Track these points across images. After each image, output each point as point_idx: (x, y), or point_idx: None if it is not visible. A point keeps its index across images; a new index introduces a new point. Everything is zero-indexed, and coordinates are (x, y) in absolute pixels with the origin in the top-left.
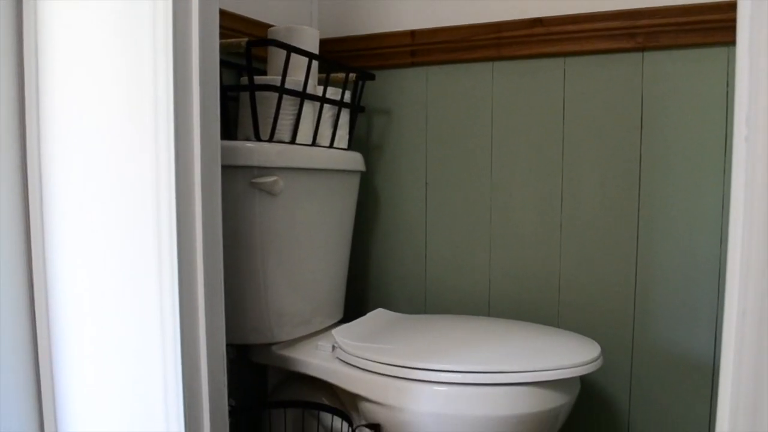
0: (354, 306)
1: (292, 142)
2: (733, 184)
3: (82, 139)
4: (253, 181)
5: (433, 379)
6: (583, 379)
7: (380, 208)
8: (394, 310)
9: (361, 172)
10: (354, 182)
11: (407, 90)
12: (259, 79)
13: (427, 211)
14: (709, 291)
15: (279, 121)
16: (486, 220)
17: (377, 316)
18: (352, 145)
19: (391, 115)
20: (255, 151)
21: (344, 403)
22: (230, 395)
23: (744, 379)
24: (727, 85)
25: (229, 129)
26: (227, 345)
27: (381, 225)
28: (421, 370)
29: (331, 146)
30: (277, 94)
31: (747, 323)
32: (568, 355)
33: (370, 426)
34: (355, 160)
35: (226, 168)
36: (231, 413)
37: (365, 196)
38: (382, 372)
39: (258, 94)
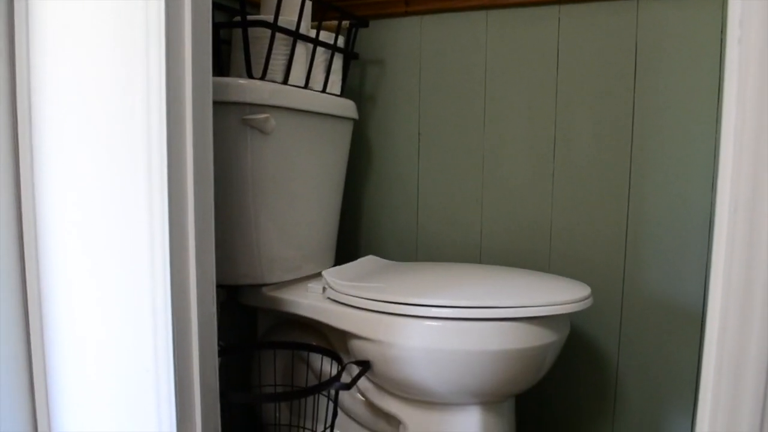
0: (345, 255)
1: (285, 82)
2: (725, 87)
3: (70, 73)
4: (245, 117)
5: (423, 314)
6: (574, 326)
7: (372, 158)
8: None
9: (354, 121)
10: (346, 130)
11: (401, 39)
12: (252, 17)
13: (419, 162)
14: (699, 239)
15: (271, 61)
16: (478, 171)
17: (368, 261)
18: (344, 93)
19: (385, 65)
20: (247, 88)
21: (334, 346)
22: (220, 339)
23: (730, 326)
24: (722, 32)
25: (222, 71)
26: (217, 287)
27: (373, 175)
28: (412, 306)
29: (323, 91)
30: (269, 33)
31: (734, 267)
32: (558, 293)
33: (359, 363)
34: (347, 107)
35: (217, 104)
36: (220, 353)
37: (357, 147)
38: (373, 309)
39: (250, 33)
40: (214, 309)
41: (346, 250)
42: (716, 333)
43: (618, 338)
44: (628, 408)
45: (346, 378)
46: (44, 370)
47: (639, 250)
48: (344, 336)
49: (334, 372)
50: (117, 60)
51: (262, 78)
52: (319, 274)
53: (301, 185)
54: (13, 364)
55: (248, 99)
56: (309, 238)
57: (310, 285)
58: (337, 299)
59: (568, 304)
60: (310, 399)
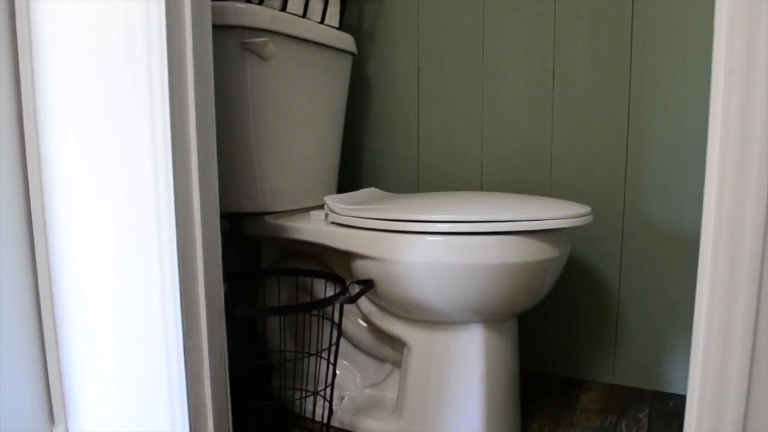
0: (346, 189)
1: (283, 10)
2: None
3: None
4: (244, 41)
5: (425, 230)
6: (575, 255)
7: (372, 94)
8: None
9: (353, 57)
10: (345, 64)
11: None
12: None
13: (419, 96)
14: (699, 165)
15: None
16: (478, 103)
17: (370, 191)
18: (343, 26)
19: (382, 1)
20: (246, 12)
21: (337, 273)
22: (224, 269)
23: (722, 251)
24: None
25: None
26: (221, 216)
27: (373, 110)
28: (414, 222)
29: (321, 22)
30: None
31: (726, 191)
32: (558, 210)
33: (361, 282)
34: (346, 40)
35: (216, 28)
36: (224, 280)
37: (357, 83)
38: (376, 227)
39: None
40: (218, 222)
41: (347, 184)
42: (710, 249)
43: (619, 266)
44: (630, 334)
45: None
46: (50, 289)
47: (639, 177)
48: (347, 261)
49: None
50: None
51: (260, 3)
52: (321, 207)
53: (301, 117)
54: (17, 288)
55: (247, 23)
56: (310, 171)
57: (312, 213)
58: (339, 222)
59: (568, 218)
60: (319, 322)
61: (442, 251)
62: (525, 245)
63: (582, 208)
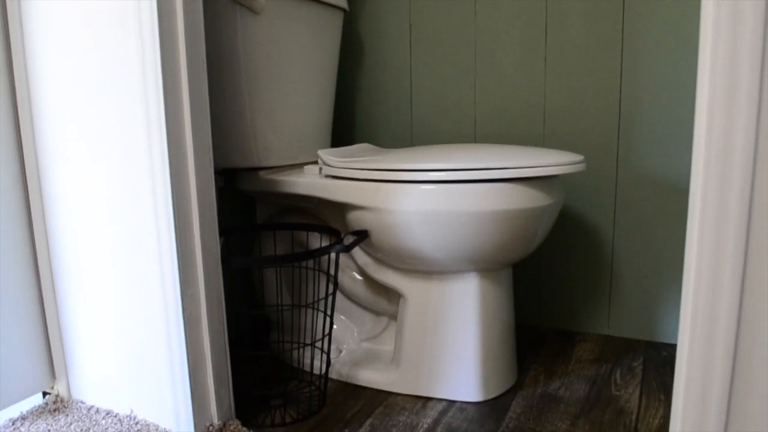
0: (339, 145)
1: None
2: None
3: None
4: None
5: (419, 179)
6: (570, 207)
7: (365, 51)
8: None
9: (344, 13)
10: (337, 21)
11: None
12: None
13: (411, 52)
14: (691, 115)
15: None
16: (470, 58)
17: (363, 146)
18: None
19: None
20: None
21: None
22: (219, 225)
23: (710, 199)
24: None
25: None
26: (215, 172)
27: (366, 69)
28: (408, 171)
29: None
30: None
31: (713, 139)
32: (551, 157)
33: (357, 233)
34: None
35: None
36: (220, 233)
37: (350, 41)
38: (370, 178)
39: None
40: (212, 172)
41: (340, 141)
42: (699, 191)
43: (613, 218)
44: (624, 285)
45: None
46: (47, 247)
47: (632, 128)
48: (342, 215)
49: None
50: None
51: None
52: (314, 163)
53: (293, 73)
54: (15, 249)
55: None
56: (303, 127)
57: (306, 167)
58: (333, 174)
59: (561, 165)
60: (310, 279)
61: (436, 199)
62: (518, 193)
63: (575, 156)
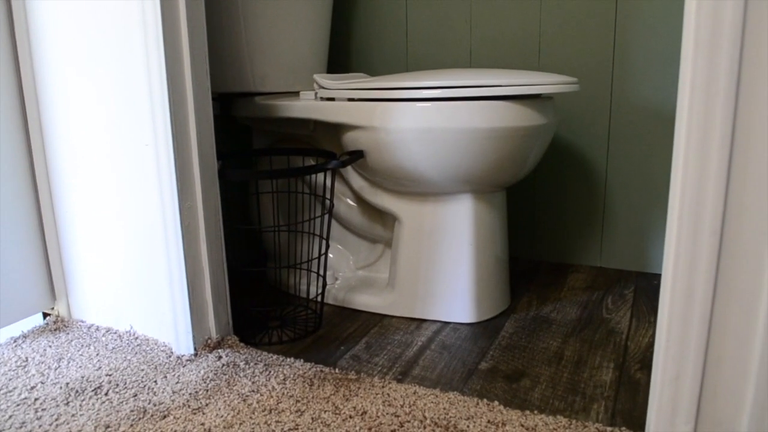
0: None
1: None
2: None
3: None
4: None
5: (414, 97)
6: (563, 138)
7: None
8: None
9: None
10: None
11: None
12: None
13: None
14: None
15: None
16: None
17: (358, 75)
18: None
19: None
20: None
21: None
22: (216, 149)
23: (694, 128)
24: None
25: None
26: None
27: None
28: (403, 90)
29: None
30: None
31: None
32: (545, 77)
33: (352, 153)
34: None
35: None
36: (218, 157)
37: None
38: (366, 97)
39: None
40: (208, 84)
41: (335, 72)
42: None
43: (606, 149)
44: (617, 217)
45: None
46: (45, 165)
47: (627, 58)
48: (338, 140)
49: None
50: None
51: None
52: (311, 90)
53: (289, 2)
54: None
55: None
56: (299, 56)
57: (301, 93)
58: (329, 96)
59: (555, 84)
60: (305, 205)
61: (431, 117)
62: (513, 110)
63: (568, 78)
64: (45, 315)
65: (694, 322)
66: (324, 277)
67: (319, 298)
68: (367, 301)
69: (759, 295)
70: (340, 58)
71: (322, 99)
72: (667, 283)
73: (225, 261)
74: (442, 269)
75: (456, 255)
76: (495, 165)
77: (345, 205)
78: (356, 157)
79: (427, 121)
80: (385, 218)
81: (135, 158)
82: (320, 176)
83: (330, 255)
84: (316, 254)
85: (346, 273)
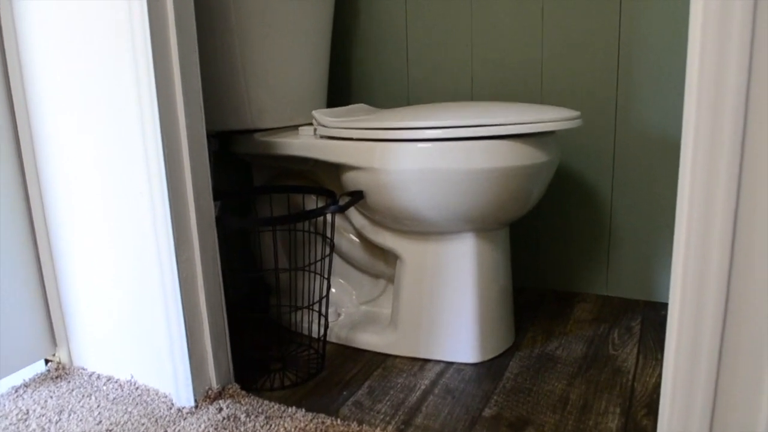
0: (335, 106)
1: None
2: None
3: None
4: None
5: (414, 137)
6: (568, 165)
7: (360, 8)
8: None
9: None
10: None
11: None
12: None
13: (406, 8)
14: None
15: None
16: (467, 14)
17: (358, 107)
18: None
19: None
20: None
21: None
22: (215, 189)
23: (701, 155)
24: None
25: None
26: (209, 135)
27: (361, 26)
28: (403, 130)
29: None
30: None
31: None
32: (546, 113)
33: (352, 194)
34: None
35: None
36: (216, 197)
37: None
38: (365, 137)
39: None
40: (203, 132)
41: (336, 102)
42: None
43: (611, 177)
44: (623, 245)
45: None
46: (43, 216)
47: (631, 85)
48: (337, 177)
49: None
50: None
51: None
52: (309, 124)
53: (287, 33)
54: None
55: None
56: (298, 88)
57: (300, 129)
58: (328, 134)
59: (556, 121)
60: (307, 242)
61: (431, 158)
62: (513, 149)
63: (571, 112)
64: (47, 361)
65: (701, 371)
66: (326, 317)
67: (321, 337)
68: (369, 340)
69: None
70: (341, 86)
71: (321, 137)
72: (673, 329)
73: (224, 308)
74: (445, 309)
75: (459, 294)
76: (497, 204)
77: (347, 240)
78: (356, 199)
79: (428, 162)
80: (387, 254)
81: (130, 208)
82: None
83: (333, 290)
84: (317, 292)
85: (349, 308)
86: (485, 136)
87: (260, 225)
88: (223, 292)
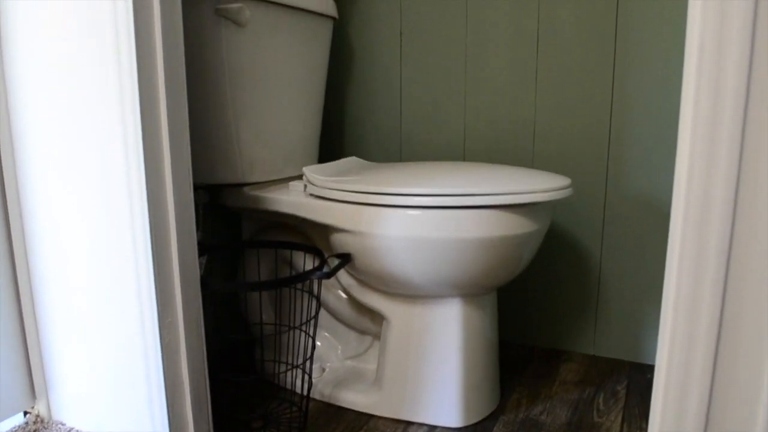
0: (328, 158)
1: None
2: None
3: None
4: (218, 7)
5: (402, 204)
6: (558, 227)
7: (354, 59)
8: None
9: (334, 20)
10: (326, 29)
11: None
12: None
13: (401, 62)
14: None
15: None
16: (461, 70)
17: (350, 161)
18: None
19: None
20: None
21: (317, 245)
22: (204, 241)
23: (690, 226)
24: None
25: None
26: (199, 188)
27: (355, 77)
28: (391, 195)
29: None
30: None
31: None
32: (536, 182)
33: (340, 256)
34: (326, 3)
35: None
36: (204, 252)
37: (338, 47)
38: (352, 200)
39: None
40: (191, 196)
41: (328, 153)
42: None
43: (601, 237)
44: (611, 305)
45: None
46: (27, 271)
47: (622, 149)
48: (326, 234)
49: None
50: None
51: None
52: (301, 177)
53: (280, 84)
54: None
55: None
56: (290, 140)
57: (291, 184)
58: (317, 194)
59: (546, 192)
60: (293, 296)
61: (420, 225)
62: (503, 219)
63: (562, 181)
64: (25, 413)
65: None
66: (310, 376)
67: (305, 396)
68: (353, 399)
69: (758, 401)
70: (334, 137)
71: (310, 195)
72: (658, 395)
73: (206, 371)
74: (430, 371)
75: (444, 357)
76: (485, 272)
77: (334, 296)
78: (343, 263)
79: (415, 230)
80: (374, 312)
81: (115, 270)
82: (308, 267)
83: (318, 343)
84: (302, 348)
85: (334, 363)
86: (475, 205)
87: (245, 290)
88: (205, 356)
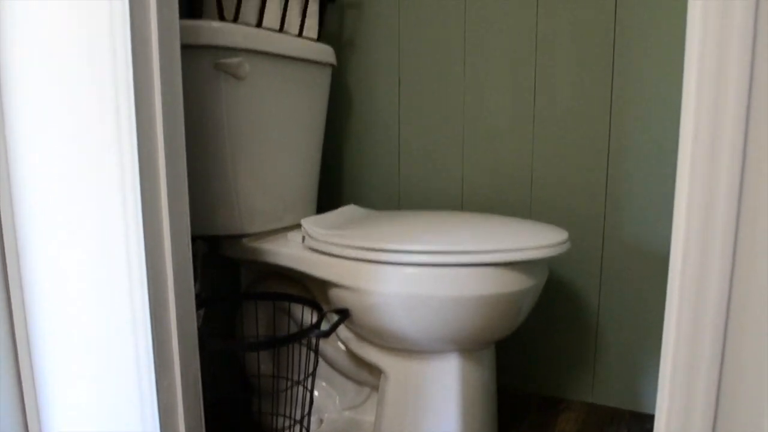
0: (326, 205)
1: (258, 26)
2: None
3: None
4: (218, 62)
5: (400, 261)
6: (556, 274)
7: (353, 106)
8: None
9: (332, 67)
10: (325, 76)
11: None
12: None
13: (400, 109)
14: None
15: (243, 2)
16: (459, 118)
17: (348, 210)
18: (322, 38)
19: (363, 9)
20: (219, 31)
21: (315, 296)
22: (203, 292)
23: (689, 274)
24: None
25: (193, 12)
26: (198, 238)
27: (353, 123)
28: (389, 252)
29: (299, 35)
30: None
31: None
32: (535, 238)
33: (338, 311)
34: (325, 52)
35: (189, 48)
36: (202, 305)
37: (337, 94)
38: (350, 256)
39: None
40: (189, 254)
41: (327, 200)
42: (679, 266)
43: (599, 286)
44: (609, 353)
45: (326, 327)
46: (25, 323)
47: (619, 198)
48: (324, 286)
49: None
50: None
51: (235, 20)
52: (300, 225)
53: (279, 134)
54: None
55: (220, 42)
56: (289, 189)
57: (289, 235)
58: (316, 248)
59: (544, 248)
60: (291, 349)
61: (418, 283)
62: (502, 276)
63: (560, 235)
64: None
65: None
66: (308, 430)
67: None
68: None
69: None
70: (332, 182)
71: (309, 247)
72: None
73: (204, 429)
74: (428, 425)
75: (442, 411)
76: (483, 328)
77: (332, 347)
78: (341, 319)
79: (415, 288)
80: (372, 365)
81: (112, 331)
82: (305, 318)
83: (315, 393)
84: (299, 401)
85: (332, 414)
86: (473, 263)
87: (243, 350)
88: (203, 415)
